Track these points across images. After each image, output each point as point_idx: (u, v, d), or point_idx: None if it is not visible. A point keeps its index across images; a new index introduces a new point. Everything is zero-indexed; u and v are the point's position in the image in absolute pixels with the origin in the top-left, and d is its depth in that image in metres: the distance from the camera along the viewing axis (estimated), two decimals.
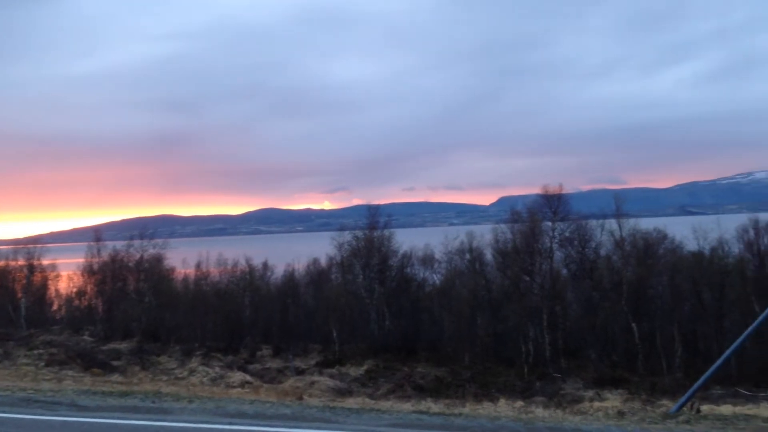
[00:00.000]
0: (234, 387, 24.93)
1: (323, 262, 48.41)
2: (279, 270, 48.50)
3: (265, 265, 48.58)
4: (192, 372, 30.33)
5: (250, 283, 46.11)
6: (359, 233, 44.07)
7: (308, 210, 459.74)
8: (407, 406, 13.40)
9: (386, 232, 43.49)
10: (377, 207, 45.62)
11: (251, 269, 47.26)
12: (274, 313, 42.27)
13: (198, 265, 49.19)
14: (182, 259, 52.36)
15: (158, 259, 49.28)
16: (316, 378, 30.10)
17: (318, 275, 47.64)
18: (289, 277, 46.86)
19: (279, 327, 40.91)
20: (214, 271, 48.49)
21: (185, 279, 50.33)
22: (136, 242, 48.72)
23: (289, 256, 50.12)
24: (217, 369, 31.02)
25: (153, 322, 42.68)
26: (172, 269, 51.38)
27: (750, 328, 12.86)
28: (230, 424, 9.55)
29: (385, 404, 14.08)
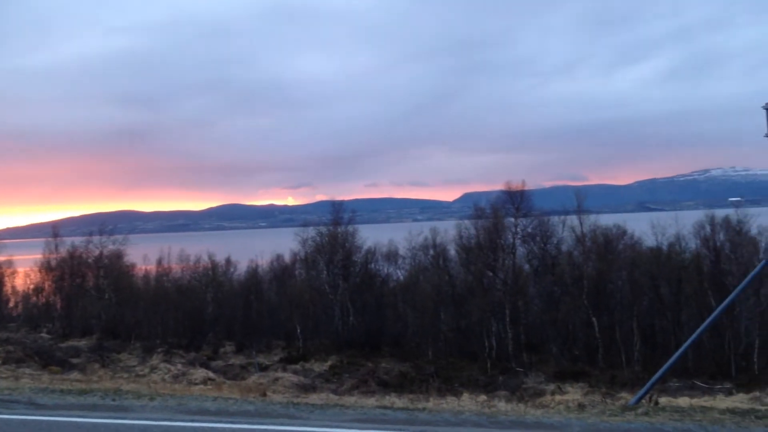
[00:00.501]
0: (196, 384, 24.73)
1: (287, 258, 48.22)
2: (242, 266, 48.13)
3: (228, 261, 48.16)
4: (153, 369, 30.03)
5: (213, 279, 45.67)
6: (323, 229, 43.96)
7: (272, 206, 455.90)
8: (371, 401, 13.41)
9: (350, 228, 43.44)
10: (341, 203, 45.63)
11: (214, 265, 46.81)
12: (237, 310, 41.90)
13: (159, 262, 48.63)
14: (143, 256, 51.72)
15: (118, 256, 48.68)
16: (279, 374, 30.03)
17: (281, 271, 47.39)
18: (253, 273, 46.52)
19: (242, 323, 40.58)
20: (176, 268, 47.98)
21: (146, 275, 49.75)
22: (96, 238, 48.12)
23: (253, 252, 49.84)
24: (179, 366, 30.74)
25: (113, 319, 42.06)
26: (133, 265, 50.79)
27: (706, 322, 13.17)
28: (192, 421, 9.44)
29: (349, 400, 14.08)
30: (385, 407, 10.77)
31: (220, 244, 66.32)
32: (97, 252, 47.68)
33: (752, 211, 34.74)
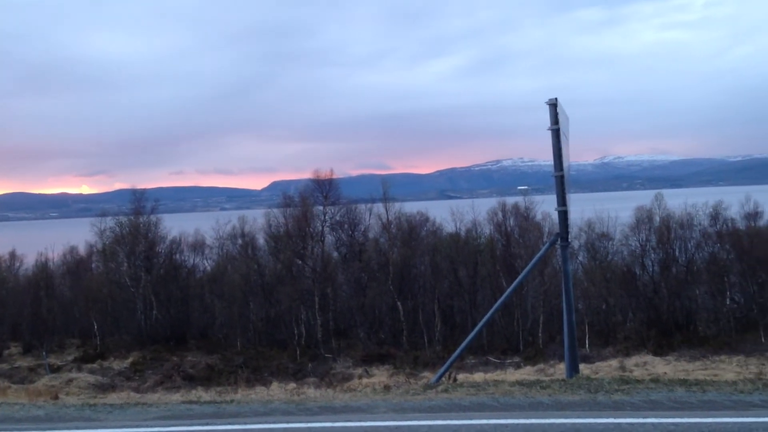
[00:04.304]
0: None
1: (82, 250, 45.09)
2: (30, 260, 44.29)
3: (13, 255, 44.15)
4: None
5: None
6: (123, 219, 41.71)
7: (64, 194, 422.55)
8: (176, 397, 12.95)
9: (153, 218, 41.63)
10: (143, 191, 43.48)
11: None
12: (24, 307, 38.56)
13: None
14: None
15: None
16: (74, 375, 28.40)
17: (76, 264, 44.22)
18: (42, 268, 42.91)
19: (30, 322, 37.45)
20: None
21: None
22: None
23: (42, 244, 45.89)
24: None
25: None
26: None
27: (498, 302, 14.17)
28: None
29: (152, 397, 13.49)
30: (191, 402, 10.43)
31: (4, 237, 60.49)
32: None
33: (537, 198, 38.00)
